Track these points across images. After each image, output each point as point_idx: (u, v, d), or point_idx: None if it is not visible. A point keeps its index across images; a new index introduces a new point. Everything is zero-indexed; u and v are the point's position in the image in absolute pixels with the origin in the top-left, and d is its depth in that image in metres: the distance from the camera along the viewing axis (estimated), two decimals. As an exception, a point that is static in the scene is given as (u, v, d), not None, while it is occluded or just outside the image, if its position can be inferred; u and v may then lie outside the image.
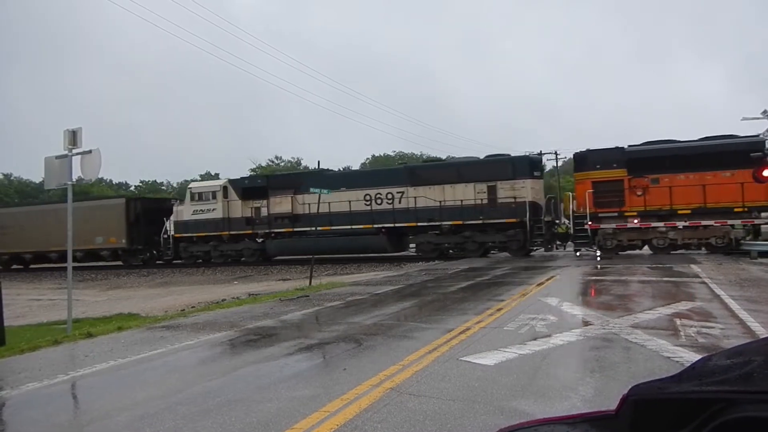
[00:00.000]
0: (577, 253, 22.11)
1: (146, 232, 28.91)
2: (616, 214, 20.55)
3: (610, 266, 16.92)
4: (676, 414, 1.00)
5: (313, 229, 24.34)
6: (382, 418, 4.10)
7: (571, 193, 22.51)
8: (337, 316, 9.40)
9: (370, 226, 24.15)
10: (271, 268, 25.47)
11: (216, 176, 60.16)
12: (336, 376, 5.36)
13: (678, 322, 7.40)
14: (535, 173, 23.19)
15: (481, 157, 24.67)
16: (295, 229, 25.35)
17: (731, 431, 0.89)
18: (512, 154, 24.16)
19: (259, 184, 27.08)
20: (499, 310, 8.95)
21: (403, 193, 23.95)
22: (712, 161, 19.03)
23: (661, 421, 1.03)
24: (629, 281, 12.60)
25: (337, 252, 25.45)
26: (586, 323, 7.54)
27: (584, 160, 21.40)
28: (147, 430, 4.18)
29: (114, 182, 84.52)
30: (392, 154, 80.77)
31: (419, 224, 23.66)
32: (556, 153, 48.41)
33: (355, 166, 70.57)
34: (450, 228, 23.23)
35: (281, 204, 25.75)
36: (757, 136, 21.42)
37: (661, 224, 20.13)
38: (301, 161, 71.48)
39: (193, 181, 39.07)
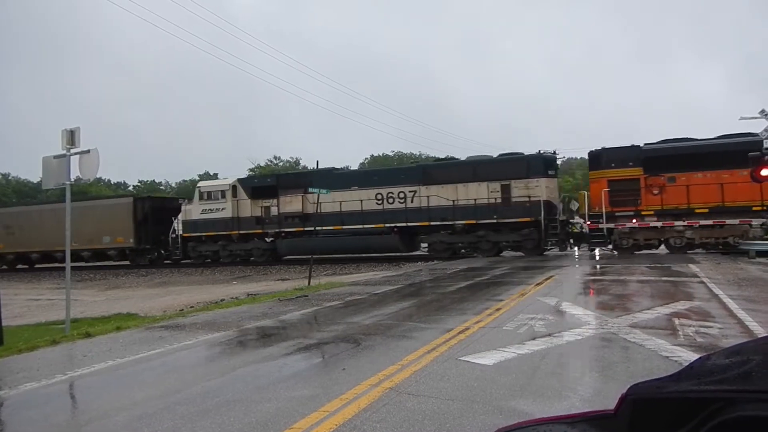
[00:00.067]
0: (599, 253, 22.01)
1: (154, 232, 28.71)
2: (632, 213, 20.43)
3: (608, 266, 16.93)
4: (675, 413, 1.00)
5: (320, 228, 24.30)
6: (381, 418, 4.10)
7: (586, 192, 22.38)
8: (336, 316, 9.40)
9: (382, 225, 23.94)
10: (270, 268, 25.44)
11: (215, 176, 60.10)
12: (335, 376, 5.36)
13: (676, 321, 7.41)
14: (550, 172, 22.94)
15: (494, 155, 24.29)
16: (306, 229, 25.17)
17: (730, 430, 0.89)
18: (525, 152, 23.71)
19: (268, 183, 26.89)
20: (498, 309, 8.95)
21: (415, 192, 23.75)
22: (729, 159, 18.69)
23: (660, 420, 1.03)
24: (628, 281, 12.61)
25: (349, 252, 25.25)
26: (584, 323, 7.55)
27: (599, 159, 21.25)
28: (145, 430, 4.17)
29: (112, 182, 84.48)
30: (391, 154, 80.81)
31: (432, 223, 23.45)
32: (554, 153, 48.42)
33: (354, 166, 70.48)
34: (463, 227, 23.03)
35: (291, 203, 25.53)
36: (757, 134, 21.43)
37: (658, 223, 20.12)
38: (300, 161, 71.49)
39: (191, 181, 39.14)
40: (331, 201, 23.99)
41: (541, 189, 21.86)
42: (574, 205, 23.52)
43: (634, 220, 20.70)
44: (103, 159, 9.61)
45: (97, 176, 13.03)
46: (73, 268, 11.57)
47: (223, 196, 26.81)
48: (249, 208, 26.46)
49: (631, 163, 20.49)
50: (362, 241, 24.58)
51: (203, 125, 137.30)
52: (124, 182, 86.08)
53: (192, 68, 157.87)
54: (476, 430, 3.80)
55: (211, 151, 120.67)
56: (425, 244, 25.21)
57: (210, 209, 26.95)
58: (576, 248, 22.94)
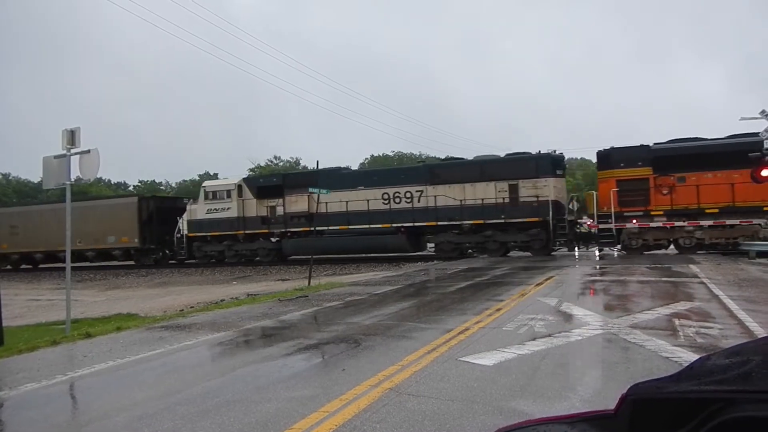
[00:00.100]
0: (599, 253, 21.98)
1: (159, 232, 28.58)
2: (641, 212, 20.34)
3: (609, 266, 16.94)
4: (675, 413, 1.00)
5: (326, 228, 24.25)
6: (381, 419, 4.10)
7: (594, 192, 22.31)
8: (336, 316, 9.40)
9: (389, 225, 23.89)
10: (270, 268, 25.43)
11: (215, 176, 60.09)
12: (335, 377, 5.36)
13: (677, 322, 7.41)
14: (558, 171, 22.82)
15: (501, 155, 24.16)
16: (312, 228, 25.11)
17: (730, 431, 0.89)
18: (532, 152, 23.50)
19: (274, 183, 26.81)
20: (498, 310, 8.95)
21: (422, 191, 23.68)
22: (740, 159, 18.27)
23: (660, 420, 1.03)
24: (628, 281, 12.61)
25: (355, 252, 25.17)
26: (585, 323, 7.54)
27: (608, 159, 21.13)
28: (146, 430, 4.17)
29: (113, 182, 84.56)
30: (391, 154, 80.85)
31: (439, 223, 23.36)
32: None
33: (354, 166, 70.40)
34: (470, 227, 22.94)
35: (297, 203, 25.43)
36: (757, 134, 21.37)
37: (657, 224, 20.07)
38: (300, 161, 71.53)
39: (192, 181, 39.12)
40: (337, 201, 23.97)
41: (549, 189, 21.74)
42: (575, 206, 23.48)
43: (634, 220, 20.66)
44: (103, 159, 9.62)
45: (98, 176, 13.02)
46: (73, 268, 11.56)
47: (229, 196, 26.73)
48: (254, 207, 26.37)
49: (640, 163, 20.36)
50: (369, 241, 24.48)
51: (203, 125, 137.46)
52: (125, 182, 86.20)
53: (192, 68, 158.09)
54: (476, 430, 3.80)
55: (211, 151, 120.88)
56: (431, 244, 25.14)
57: (215, 209, 26.87)
58: (583, 249, 22.78)
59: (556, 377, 5.07)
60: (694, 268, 15.00)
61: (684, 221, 19.90)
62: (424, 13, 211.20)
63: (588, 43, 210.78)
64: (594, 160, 28.20)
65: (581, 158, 64.23)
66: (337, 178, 25.01)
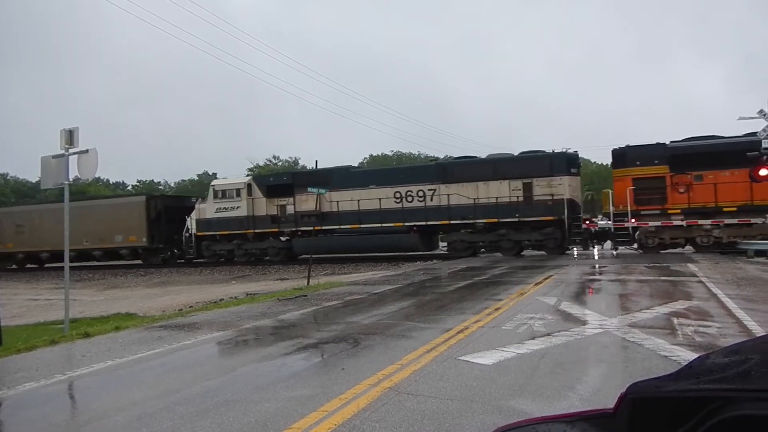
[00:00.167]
0: (615, 252, 21.86)
1: (167, 231, 28.47)
2: (658, 211, 20.23)
3: (607, 266, 16.96)
4: (674, 412, 1.00)
5: (337, 227, 24.18)
6: (381, 418, 4.10)
7: (609, 191, 22.21)
8: (335, 315, 9.40)
9: (401, 224, 23.81)
10: (269, 268, 25.42)
11: (214, 176, 60.06)
12: (334, 376, 5.36)
13: (675, 321, 7.42)
14: (573, 170, 22.68)
15: (515, 153, 24.01)
16: (323, 227, 24.99)
17: (728, 429, 0.89)
18: (547, 150, 23.31)
19: (284, 182, 26.71)
20: (497, 309, 8.96)
21: (435, 190, 23.61)
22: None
23: (659, 419, 1.03)
24: (627, 280, 12.63)
25: (366, 251, 25.07)
26: (583, 322, 7.55)
27: (623, 157, 21.04)
28: (145, 430, 4.17)
29: (111, 182, 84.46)
30: (390, 154, 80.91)
31: (452, 222, 23.29)
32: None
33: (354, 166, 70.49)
34: (484, 226, 22.87)
35: (308, 201, 25.30)
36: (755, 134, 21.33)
37: (657, 223, 20.01)
38: (299, 161, 71.53)
39: (190, 180, 39.05)
40: (349, 200, 23.96)
41: (564, 187, 21.65)
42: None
43: (633, 220, 20.66)
44: (102, 159, 9.62)
45: (96, 176, 13.02)
46: (72, 268, 11.56)
47: (238, 195, 26.64)
48: (264, 206, 26.29)
49: (656, 161, 20.25)
50: (380, 240, 24.37)
51: (202, 125, 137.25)
52: (123, 182, 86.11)
53: (191, 68, 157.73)
54: (475, 429, 3.80)
55: (210, 151, 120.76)
56: (443, 243, 25.05)
57: (224, 208, 26.77)
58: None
59: (555, 376, 5.08)
60: (692, 267, 15.02)
61: (681, 220, 19.80)
62: (424, 13, 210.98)
63: (588, 43, 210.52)
64: (593, 159, 28.19)
65: (581, 158, 64.26)
66: (348, 177, 24.95)
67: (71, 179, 9.59)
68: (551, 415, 1.28)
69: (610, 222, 21.38)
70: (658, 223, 20.36)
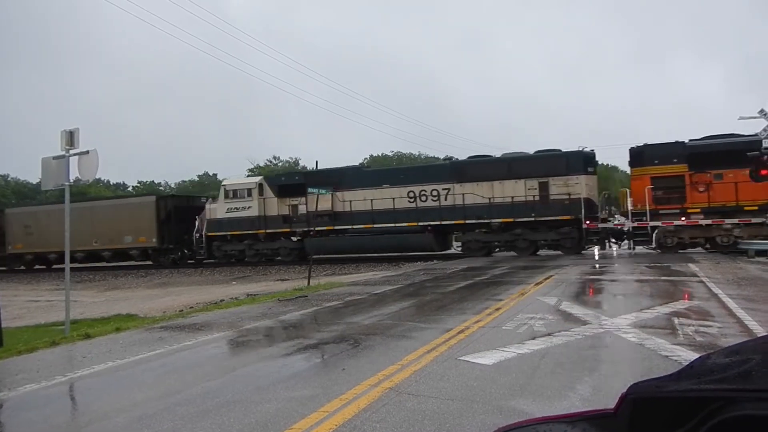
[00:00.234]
0: (633, 251, 21.66)
1: (177, 231, 28.25)
2: (677, 210, 20.05)
3: (608, 265, 16.96)
4: (675, 412, 1.00)
5: (350, 227, 24.09)
6: (381, 418, 4.10)
7: (627, 190, 22.02)
8: (335, 316, 9.40)
9: (415, 223, 23.64)
10: (269, 268, 25.42)
11: (214, 176, 60.08)
12: (335, 377, 5.36)
13: (676, 320, 7.42)
14: (589, 169, 22.44)
15: (531, 152, 23.82)
16: (336, 227, 24.79)
17: (729, 429, 0.89)
18: (563, 149, 23.05)
19: (296, 181, 26.52)
20: (497, 309, 8.95)
21: (449, 189, 23.42)
22: None
23: (660, 419, 1.03)
24: (627, 280, 12.62)
25: (380, 251, 24.94)
26: (584, 322, 7.55)
27: (641, 156, 20.83)
28: (145, 431, 4.17)
29: (112, 183, 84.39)
30: (390, 154, 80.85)
31: (467, 222, 23.12)
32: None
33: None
34: (499, 226, 22.69)
35: (320, 201, 25.13)
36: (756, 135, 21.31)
37: (657, 222, 19.96)
38: (299, 161, 71.49)
39: (191, 181, 38.99)
40: (362, 199, 23.88)
41: (581, 186, 21.44)
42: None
43: (631, 219, 20.61)
44: (103, 159, 9.62)
45: (97, 177, 13.02)
46: (74, 269, 11.56)
47: (249, 195, 26.45)
48: (276, 206, 26.11)
49: (675, 160, 20.03)
50: (394, 240, 24.21)
51: (202, 125, 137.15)
52: (124, 183, 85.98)
53: (191, 68, 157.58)
54: (476, 429, 3.80)
55: (210, 151, 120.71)
56: (457, 243, 24.91)
57: (235, 208, 26.57)
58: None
59: (555, 376, 5.08)
60: (693, 267, 15.01)
61: (681, 219, 19.68)
62: (424, 13, 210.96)
63: (588, 43, 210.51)
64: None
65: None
66: (360, 177, 24.84)
67: (72, 180, 9.60)
68: (552, 415, 1.28)
69: (621, 221, 21.19)
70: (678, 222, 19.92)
